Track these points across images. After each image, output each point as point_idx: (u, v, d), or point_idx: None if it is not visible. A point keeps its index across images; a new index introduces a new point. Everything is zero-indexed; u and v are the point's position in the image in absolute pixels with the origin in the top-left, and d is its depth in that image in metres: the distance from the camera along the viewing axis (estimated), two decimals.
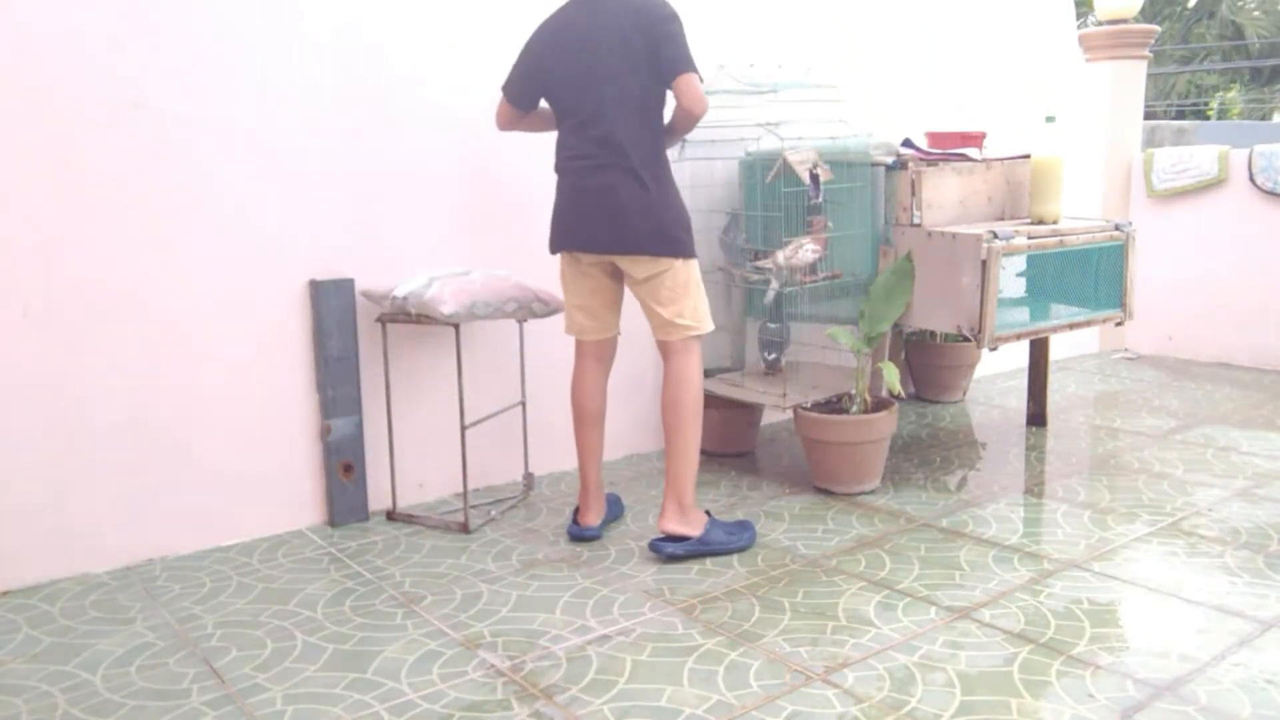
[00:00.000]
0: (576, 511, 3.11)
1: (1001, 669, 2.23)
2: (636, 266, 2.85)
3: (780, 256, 3.42)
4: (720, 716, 2.06)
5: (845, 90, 3.67)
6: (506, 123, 3.03)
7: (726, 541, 2.93)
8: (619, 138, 2.78)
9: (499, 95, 2.97)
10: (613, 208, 2.80)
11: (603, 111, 2.78)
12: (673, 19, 2.77)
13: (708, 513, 2.99)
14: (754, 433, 3.97)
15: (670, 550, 2.87)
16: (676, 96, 2.76)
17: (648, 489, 3.53)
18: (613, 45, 2.76)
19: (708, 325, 2.92)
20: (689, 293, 2.87)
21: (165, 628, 2.52)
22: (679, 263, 2.84)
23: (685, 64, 2.74)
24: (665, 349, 2.92)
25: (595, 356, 3.05)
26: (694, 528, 2.89)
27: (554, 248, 3.00)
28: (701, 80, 2.78)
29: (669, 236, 2.82)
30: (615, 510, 3.23)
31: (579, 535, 3.05)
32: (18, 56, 2.63)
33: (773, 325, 3.88)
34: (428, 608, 2.60)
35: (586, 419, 3.07)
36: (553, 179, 3.70)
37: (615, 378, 3.85)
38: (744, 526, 3.01)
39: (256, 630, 2.50)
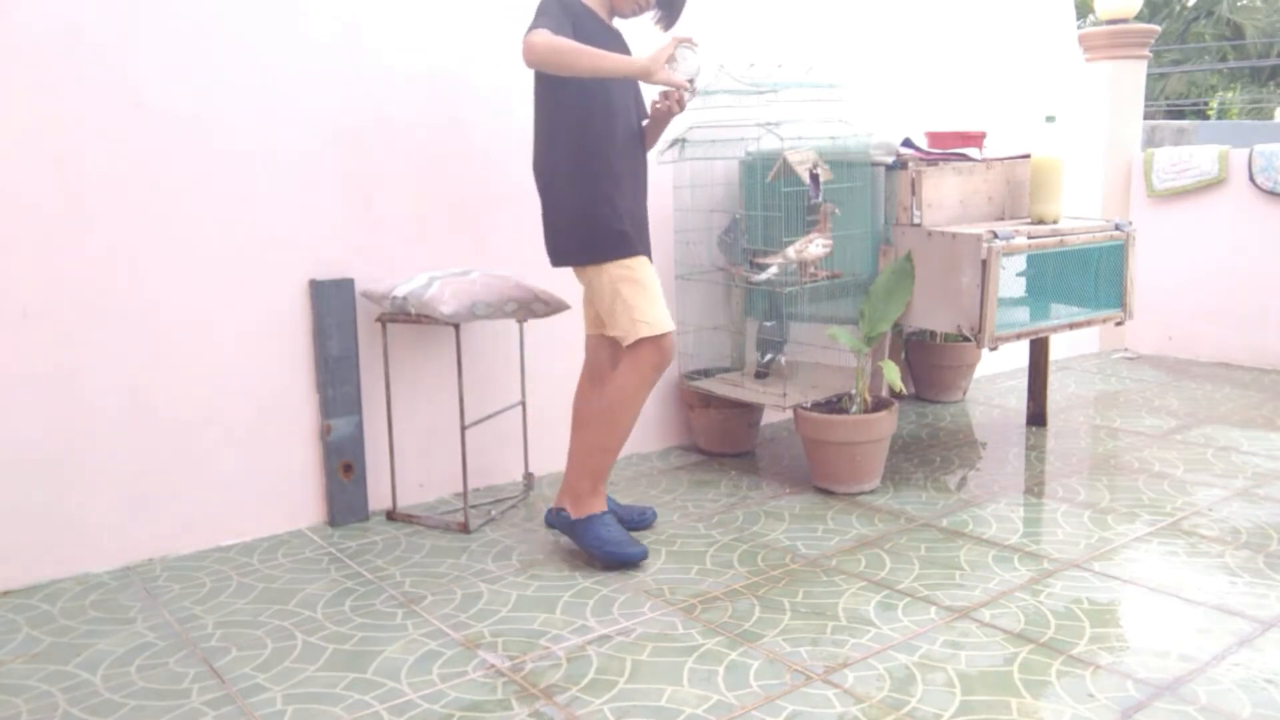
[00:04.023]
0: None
1: (1001, 669, 2.23)
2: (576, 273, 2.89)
3: (791, 251, 3.42)
4: (720, 716, 2.06)
5: (845, 90, 3.67)
6: None
7: (596, 542, 2.82)
8: (534, 150, 2.85)
9: (528, 94, 2.91)
10: (543, 219, 2.87)
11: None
12: (544, 3, 2.66)
13: (609, 511, 2.90)
14: (754, 433, 3.97)
15: (550, 520, 2.99)
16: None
17: (648, 489, 3.53)
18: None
19: (635, 334, 2.74)
20: (604, 297, 2.78)
21: (165, 628, 2.52)
22: (589, 270, 2.80)
23: (527, 30, 2.59)
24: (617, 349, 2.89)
25: (585, 358, 3.09)
26: (576, 510, 2.87)
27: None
28: (543, 30, 2.56)
29: (561, 245, 2.82)
30: (639, 518, 3.15)
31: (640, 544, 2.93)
32: (18, 56, 2.64)
33: (769, 324, 3.88)
34: (428, 608, 2.60)
35: (576, 421, 3.06)
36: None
37: None
38: (633, 542, 2.86)
39: (256, 630, 2.50)
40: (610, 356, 3.00)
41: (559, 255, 2.85)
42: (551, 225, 2.83)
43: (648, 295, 2.77)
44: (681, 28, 2.94)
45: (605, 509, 2.89)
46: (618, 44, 2.83)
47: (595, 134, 2.74)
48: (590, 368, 3.07)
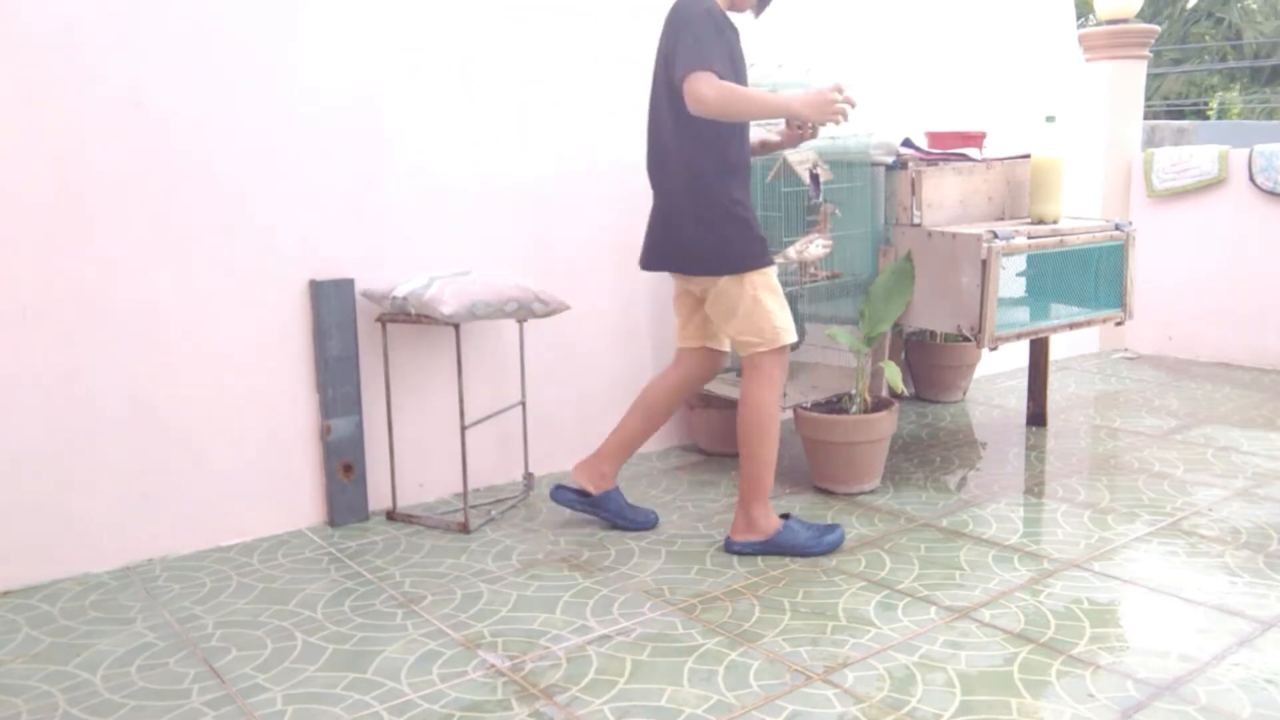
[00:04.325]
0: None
1: (1001, 669, 2.23)
2: (693, 283, 2.91)
3: (792, 251, 3.42)
4: (720, 716, 2.06)
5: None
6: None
7: (802, 544, 2.88)
8: (662, 155, 2.84)
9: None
10: (661, 226, 2.88)
11: (657, 127, 2.85)
12: (695, 20, 2.66)
13: (786, 515, 2.95)
14: None
15: (738, 548, 2.92)
16: (687, 103, 2.64)
17: (648, 489, 3.53)
18: (659, 53, 2.79)
19: (773, 343, 2.83)
20: (740, 306, 2.81)
21: (165, 628, 2.52)
22: (726, 279, 2.80)
23: (684, 62, 2.62)
24: (742, 365, 2.93)
25: (678, 363, 3.11)
26: (763, 536, 2.90)
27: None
28: (710, 71, 2.60)
29: (701, 255, 2.81)
30: (640, 519, 3.17)
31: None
32: (18, 56, 2.63)
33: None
34: (428, 608, 2.60)
35: (638, 402, 3.12)
36: (553, 178, 3.72)
37: (616, 378, 3.86)
38: (829, 529, 2.94)
39: (256, 630, 2.50)
40: (708, 369, 3.08)
41: (697, 264, 2.83)
42: (689, 235, 2.81)
43: (782, 304, 2.88)
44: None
45: (780, 518, 2.93)
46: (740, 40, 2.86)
47: (736, 149, 2.81)
48: (686, 381, 3.11)
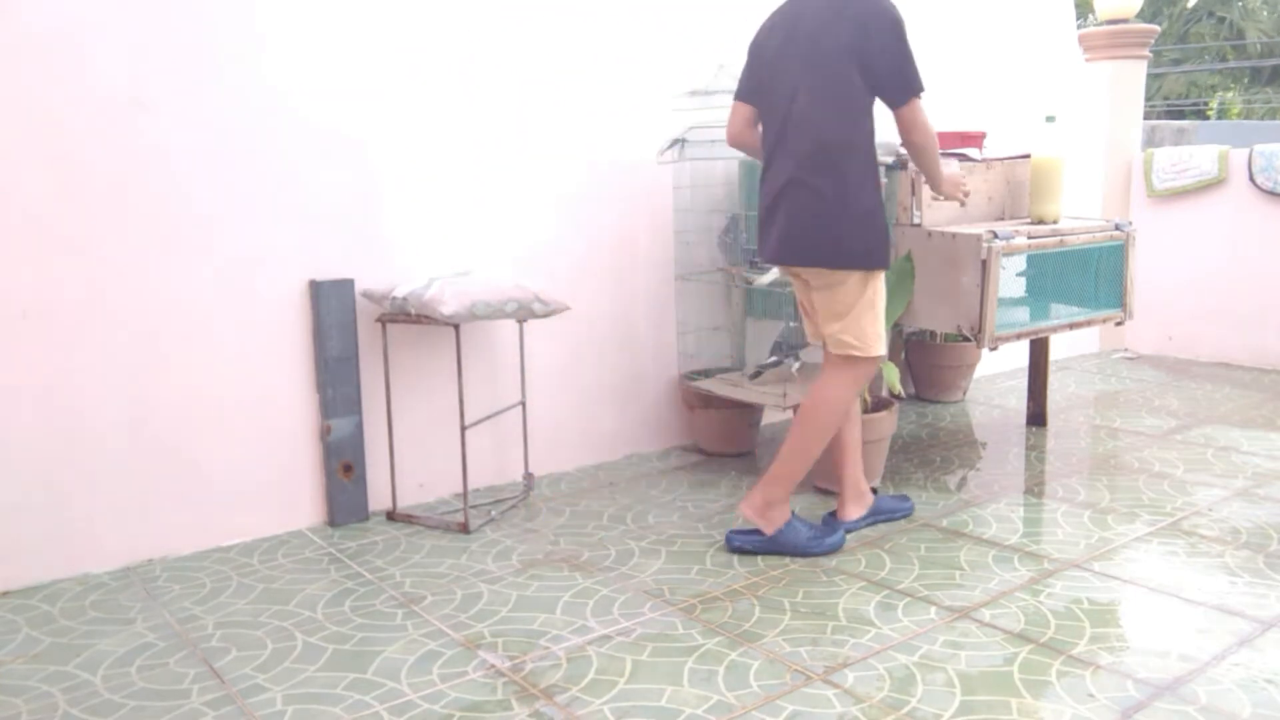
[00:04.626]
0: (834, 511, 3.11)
1: (1001, 669, 2.23)
2: (815, 276, 2.82)
3: None
4: (720, 716, 2.06)
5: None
6: (731, 130, 2.96)
7: (803, 544, 2.87)
8: (812, 148, 2.72)
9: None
10: (796, 216, 2.76)
11: (791, 114, 2.74)
12: (903, 33, 2.70)
13: (794, 514, 2.94)
14: (754, 433, 3.97)
15: (738, 544, 2.91)
16: (900, 126, 2.74)
17: (648, 489, 3.53)
18: (814, 41, 2.70)
19: (871, 350, 2.81)
20: (854, 310, 2.78)
21: (165, 628, 2.52)
22: (856, 275, 2.76)
23: (912, 83, 2.72)
24: (826, 358, 2.91)
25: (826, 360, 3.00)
26: (767, 525, 2.87)
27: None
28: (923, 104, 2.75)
29: (847, 248, 2.74)
30: (896, 508, 3.17)
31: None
32: (18, 56, 2.63)
33: (794, 325, 3.86)
34: (428, 608, 2.60)
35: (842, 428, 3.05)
36: (553, 178, 3.72)
37: (616, 378, 3.87)
38: (831, 530, 2.94)
39: (256, 630, 2.50)
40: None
41: (840, 258, 2.75)
42: (835, 227, 2.73)
43: (883, 314, 2.87)
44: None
45: (790, 513, 2.93)
46: None
47: (874, 156, 2.81)
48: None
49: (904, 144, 2.84)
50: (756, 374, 3.91)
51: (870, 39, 2.68)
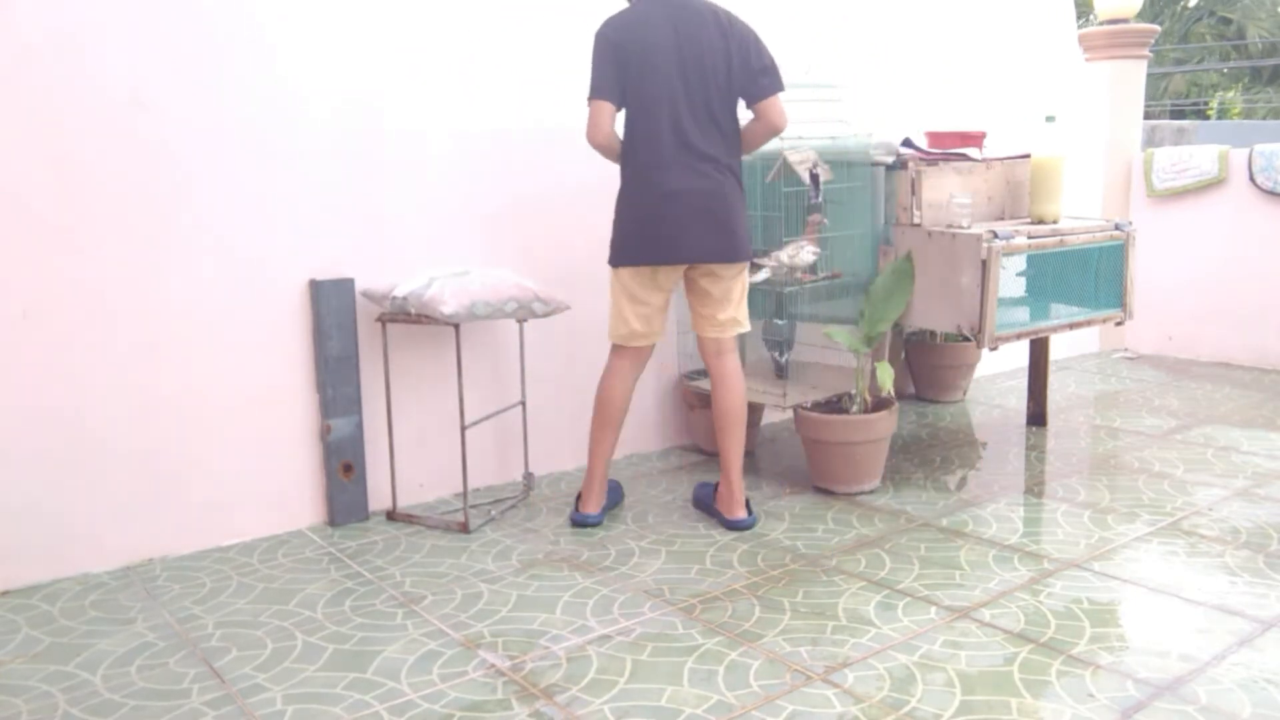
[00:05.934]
0: (579, 499, 3.21)
1: (1001, 669, 2.23)
2: (730, 270, 3.06)
3: (784, 255, 3.43)
4: (720, 716, 2.06)
5: (845, 90, 3.67)
6: (603, 130, 2.97)
7: (707, 503, 3.22)
8: (711, 142, 2.96)
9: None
10: (721, 214, 2.97)
11: (690, 114, 2.92)
12: (753, 32, 3.00)
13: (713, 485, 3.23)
14: (754, 433, 3.97)
15: (737, 525, 3.11)
16: (763, 113, 2.97)
17: (648, 489, 3.53)
18: (705, 48, 2.89)
19: (747, 322, 3.17)
20: (740, 292, 3.11)
21: (165, 628, 2.52)
22: (741, 266, 3.08)
23: (779, 81, 2.98)
24: (718, 346, 3.10)
25: (634, 361, 3.16)
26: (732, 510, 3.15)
27: (635, 259, 3.05)
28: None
29: (743, 245, 3.05)
30: (615, 496, 3.31)
31: (581, 521, 3.15)
32: (18, 56, 2.63)
33: (779, 323, 3.87)
34: (428, 608, 2.60)
35: (612, 420, 3.16)
36: (552, 178, 3.71)
37: None
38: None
39: (256, 630, 2.50)
40: (646, 362, 3.22)
41: (743, 253, 3.05)
42: (736, 223, 3.01)
43: None
44: None
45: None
46: None
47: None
48: (631, 370, 3.18)
49: (756, 137, 3.09)
50: (781, 373, 3.89)
51: (743, 44, 2.95)
